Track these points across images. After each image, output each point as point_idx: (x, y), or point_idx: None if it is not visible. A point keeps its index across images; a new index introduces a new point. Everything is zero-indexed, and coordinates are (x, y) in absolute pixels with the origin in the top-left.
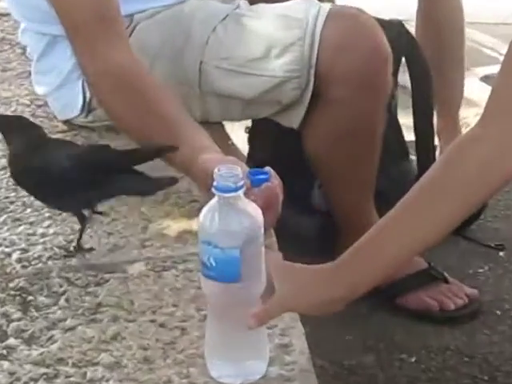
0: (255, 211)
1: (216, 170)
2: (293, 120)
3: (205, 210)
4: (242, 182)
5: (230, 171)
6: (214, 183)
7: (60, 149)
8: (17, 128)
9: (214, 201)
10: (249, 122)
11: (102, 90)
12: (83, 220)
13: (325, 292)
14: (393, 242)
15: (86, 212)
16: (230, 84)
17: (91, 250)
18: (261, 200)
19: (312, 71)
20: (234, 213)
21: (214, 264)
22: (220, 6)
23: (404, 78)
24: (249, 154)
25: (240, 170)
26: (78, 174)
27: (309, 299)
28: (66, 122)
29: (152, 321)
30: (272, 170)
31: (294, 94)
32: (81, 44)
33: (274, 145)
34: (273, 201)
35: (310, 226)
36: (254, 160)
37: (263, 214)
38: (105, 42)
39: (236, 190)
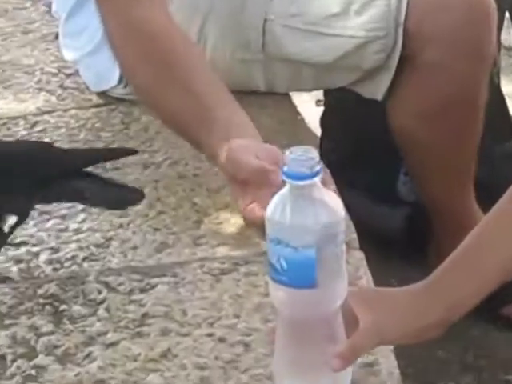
0: (335, 202)
1: (287, 153)
2: (376, 90)
3: (274, 201)
4: (318, 167)
5: (304, 154)
6: (285, 169)
7: None
8: None
9: (284, 190)
10: (320, 94)
11: (118, 45)
12: None
13: (419, 317)
14: (497, 253)
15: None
16: (301, 47)
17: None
18: None
19: (400, 30)
20: (309, 205)
21: (285, 266)
22: None
23: (509, 37)
24: (321, 134)
25: (315, 152)
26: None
27: (403, 327)
28: (100, 94)
29: (209, 335)
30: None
31: (377, 58)
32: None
33: (351, 122)
34: None
35: (394, 219)
36: (328, 141)
37: None
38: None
39: (312, 176)
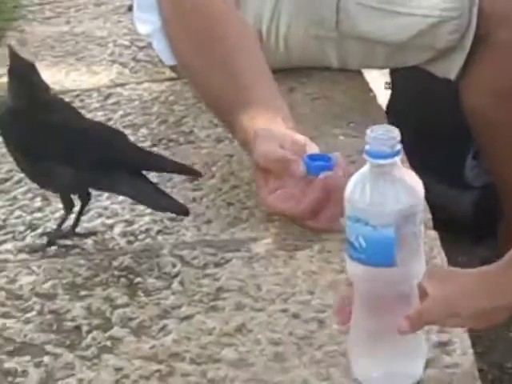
0: (414, 182)
1: (369, 132)
2: (449, 69)
3: (353, 179)
4: (399, 147)
5: (385, 133)
6: (367, 147)
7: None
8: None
9: (365, 169)
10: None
11: (172, 28)
12: (70, 207)
13: (490, 298)
14: None
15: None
16: (375, 25)
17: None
18: (316, 192)
19: (474, 10)
20: (389, 184)
21: (363, 245)
22: None
23: None
24: (388, 117)
25: (397, 131)
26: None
27: (474, 306)
28: (174, 67)
29: (283, 310)
30: (340, 158)
31: (451, 37)
32: None
33: (418, 105)
34: (331, 195)
35: (463, 203)
36: (395, 124)
37: (317, 209)
38: None
39: (393, 155)
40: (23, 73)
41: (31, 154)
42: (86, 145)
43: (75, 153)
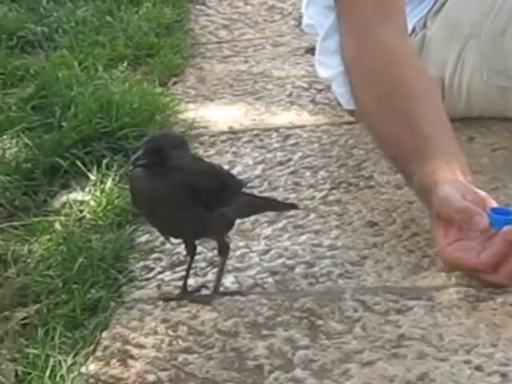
0: None
1: None
2: None
3: None
4: None
5: None
6: None
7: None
8: None
9: None
10: None
11: (354, 75)
12: (192, 252)
13: None
14: None
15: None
16: None
17: (201, 288)
18: (497, 245)
19: None
20: None
21: None
22: None
23: None
24: None
25: None
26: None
27: None
28: (352, 111)
29: (466, 362)
30: None
31: None
32: (348, 19)
33: None
34: None
35: None
36: None
37: (498, 262)
38: (374, 21)
39: None
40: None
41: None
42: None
43: None
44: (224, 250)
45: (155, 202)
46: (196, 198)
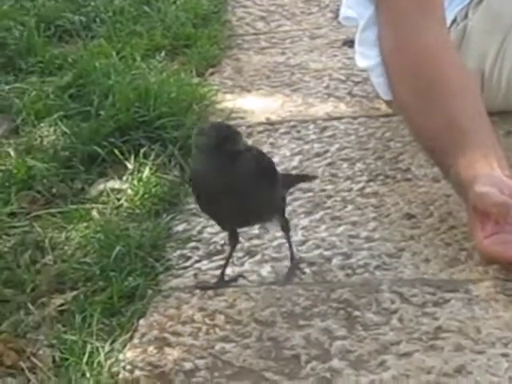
0: None
1: None
2: None
3: None
4: None
5: None
6: None
7: None
8: None
9: None
10: None
11: (392, 67)
12: (234, 241)
13: None
14: None
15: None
16: None
17: (238, 277)
18: None
19: None
20: None
21: None
22: None
23: None
24: None
25: None
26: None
27: None
28: (390, 102)
29: (504, 355)
30: None
31: None
32: (386, 10)
33: None
34: None
35: None
36: None
37: None
38: (413, 13)
39: None
40: None
41: None
42: None
43: None
44: (287, 225)
45: (232, 189)
46: (270, 179)
